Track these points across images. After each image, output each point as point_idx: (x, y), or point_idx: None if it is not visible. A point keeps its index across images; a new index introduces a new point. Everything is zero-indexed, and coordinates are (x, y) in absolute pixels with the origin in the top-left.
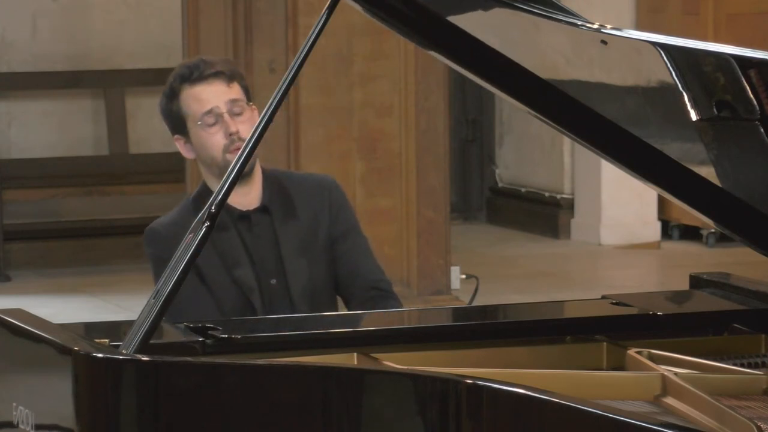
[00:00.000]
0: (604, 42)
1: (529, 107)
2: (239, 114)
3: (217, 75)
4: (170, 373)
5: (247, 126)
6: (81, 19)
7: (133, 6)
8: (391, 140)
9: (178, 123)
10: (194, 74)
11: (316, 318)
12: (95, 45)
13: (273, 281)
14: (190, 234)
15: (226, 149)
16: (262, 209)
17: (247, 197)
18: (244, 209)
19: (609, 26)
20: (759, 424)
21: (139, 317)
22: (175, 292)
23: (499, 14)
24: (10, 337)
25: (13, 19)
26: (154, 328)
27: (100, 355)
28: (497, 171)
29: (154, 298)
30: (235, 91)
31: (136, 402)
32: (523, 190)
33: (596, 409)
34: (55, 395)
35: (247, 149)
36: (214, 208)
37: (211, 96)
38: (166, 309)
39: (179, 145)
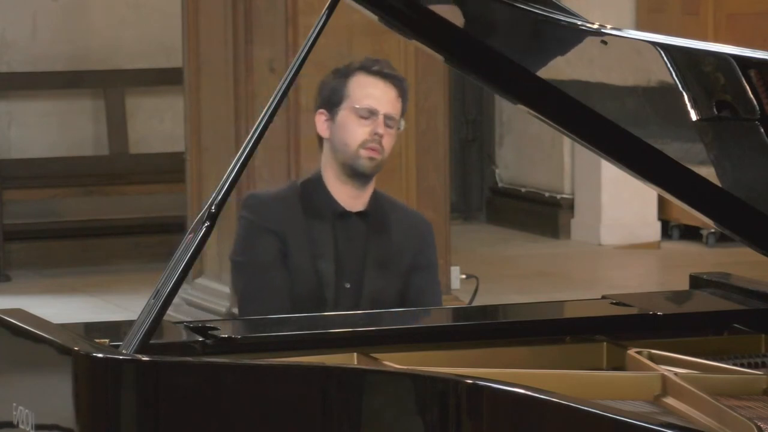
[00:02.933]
0: (604, 42)
1: (529, 107)
2: (390, 127)
3: (393, 80)
4: (170, 373)
5: (389, 139)
6: (81, 19)
7: (133, 6)
8: None
9: (333, 98)
10: (375, 67)
11: (316, 318)
12: (95, 45)
13: (348, 285)
14: (189, 234)
15: (363, 144)
16: (363, 214)
17: (356, 200)
18: (348, 209)
19: (609, 26)
20: (759, 424)
21: (139, 317)
22: (175, 293)
23: (499, 14)
24: (10, 338)
25: (13, 19)
26: (154, 328)
27: (100, 355)
28: (497, 171)
29: (154, 298)
30: (398, 107)
31: (136, 402)
32: (523, 190)
33: (596, 409)
34: (55, 395)
35: (248, 149)
36: (215, 208)
37: (381, 95)
38: (166, 309)
39: (319, 120)
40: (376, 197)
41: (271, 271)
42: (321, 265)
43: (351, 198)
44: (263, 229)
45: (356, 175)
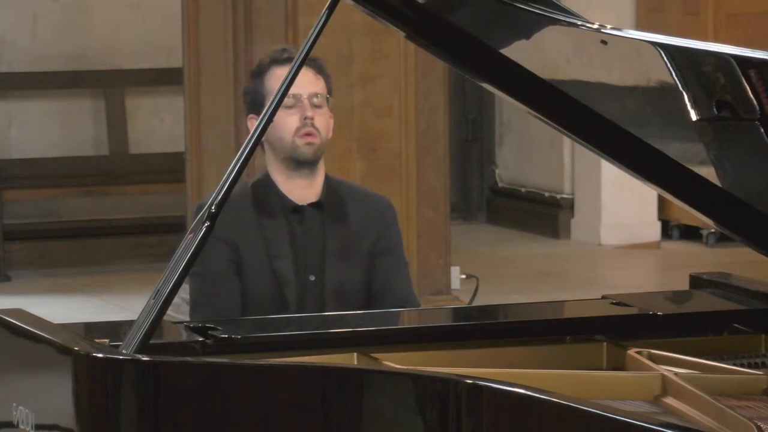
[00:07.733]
0: (604, 42)
1: (529, 107)
2: (318, 107)
3: (307, 62)
4: (170, 373)
5: (322, 119)
6: (81, 19)
7: (133, 6)
8: (391, 140)
9: (257, 100)
10: (285, 55)
11: (317, 318)
12: (95, 45)
13: (312, 277)
14: (189, 234)
15: (297, 132)
16: (317, 205)
17: (307, 191)
18: (300, 203)
19: (609, 26)
20: (759, 424)
21: (139, 317)
22: (175, 293)
23: (499, 14)
24: (10, 337)
25: (13, 19)
26: (154, 328)
27: (100, 355)
28: (497, 171)
29: (154, 298)
30: (321, 85)
31: (136, 402)
32: (523, 190)
33: (596, 409)
34: (55, 395)
35: (248, 149)
36: (215, 208)
37: (299, 79)
38: (166, 309)
39: (251, 125)
40: (329, 185)
41: (221, 281)
42: (277, 265)
43: (302, 190)
44: (213, 238)
45: (300, 164)
